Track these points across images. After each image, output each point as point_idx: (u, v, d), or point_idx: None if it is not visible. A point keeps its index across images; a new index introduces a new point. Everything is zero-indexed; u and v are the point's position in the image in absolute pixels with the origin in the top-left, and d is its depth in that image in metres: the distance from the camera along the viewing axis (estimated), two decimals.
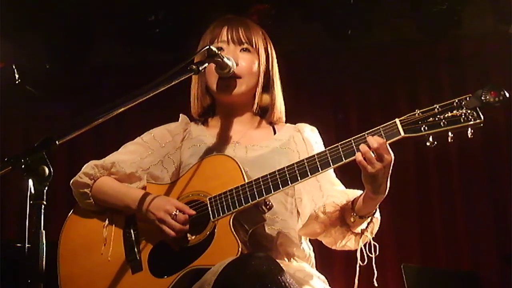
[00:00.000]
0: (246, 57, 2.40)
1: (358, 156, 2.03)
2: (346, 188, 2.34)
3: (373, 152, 2.02)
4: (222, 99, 2.44)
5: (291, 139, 2.44)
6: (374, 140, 2.02)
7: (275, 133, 2.48)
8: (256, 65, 2.41)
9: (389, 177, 2.08)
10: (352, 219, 2.19)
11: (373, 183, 2.07)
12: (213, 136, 2.45)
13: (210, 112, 2.52)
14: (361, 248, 2.21)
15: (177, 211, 2.17)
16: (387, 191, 2.11)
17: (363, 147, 2.03)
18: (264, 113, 2.48)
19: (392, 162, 2.04)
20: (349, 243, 2.28)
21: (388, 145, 2.03)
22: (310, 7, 5.01)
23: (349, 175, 2.26)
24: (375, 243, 2.19)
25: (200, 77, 2.46)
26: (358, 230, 2.24)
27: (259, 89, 2.43)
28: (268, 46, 2.48)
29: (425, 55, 5.21)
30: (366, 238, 2.23)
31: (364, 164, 2.02)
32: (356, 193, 2.24)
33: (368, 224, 2.23)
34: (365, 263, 2.17)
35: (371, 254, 2.18)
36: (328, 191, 2.30)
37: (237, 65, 2.34)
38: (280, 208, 2.31)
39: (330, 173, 2.36)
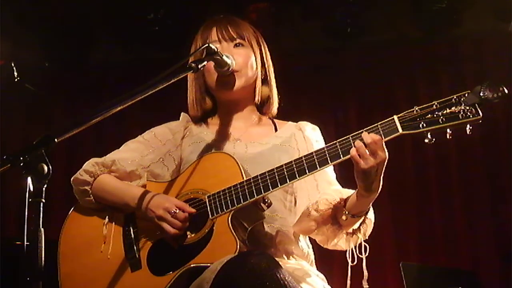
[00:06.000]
0: (241, 51, 2.41)
1: (352, 151, 2.02)
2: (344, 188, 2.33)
3: (367, 148, 2.01)
4: (224, 96, 2.44)
5: (292, 136, 2.45)
6: (369, 136, 2.01)
7: (276, 130, 2.48)
8: (252, 58, 2.42)
9: (382, 175, 2.07)
10: (344, 217, 2.18)
11: (365, 180, 2.06)
12: (213, 133, 2.46)
13: (211, 113, 2.52)
14: (352, 249, 2.21)
15: (177, 209, 2.17)
16: (379, 189, 2.10)
17: (357, 142, 2.02)
18: (263, 105, 2.49)
19: (386, 160, 2.03)
20: (340, 242, 2.27)
21: (383, 143, 2.02)
22: (310, 6, 5.01)
23: (348, 176, 2.25)
24: (366, 244, 2.19)
25: (196, 79, 2.47)
26: (350, 230, 2.24)
27: (259, 82, 2.45)
28: (260, 39, 2.50)
29: (425, 53, 5.21)
30: (358, 239, 2.22)
31: (357, 159, 2.02)
32: (350, 192, 2.23)
33: (361, 224, 2.22)
34: (355, 263, 2.17)
35: (361, 255, 2.18)
36: (324, 190, 2.29)
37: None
38: (279, 206, 2.31)
39: (328, 172, 2.36)
